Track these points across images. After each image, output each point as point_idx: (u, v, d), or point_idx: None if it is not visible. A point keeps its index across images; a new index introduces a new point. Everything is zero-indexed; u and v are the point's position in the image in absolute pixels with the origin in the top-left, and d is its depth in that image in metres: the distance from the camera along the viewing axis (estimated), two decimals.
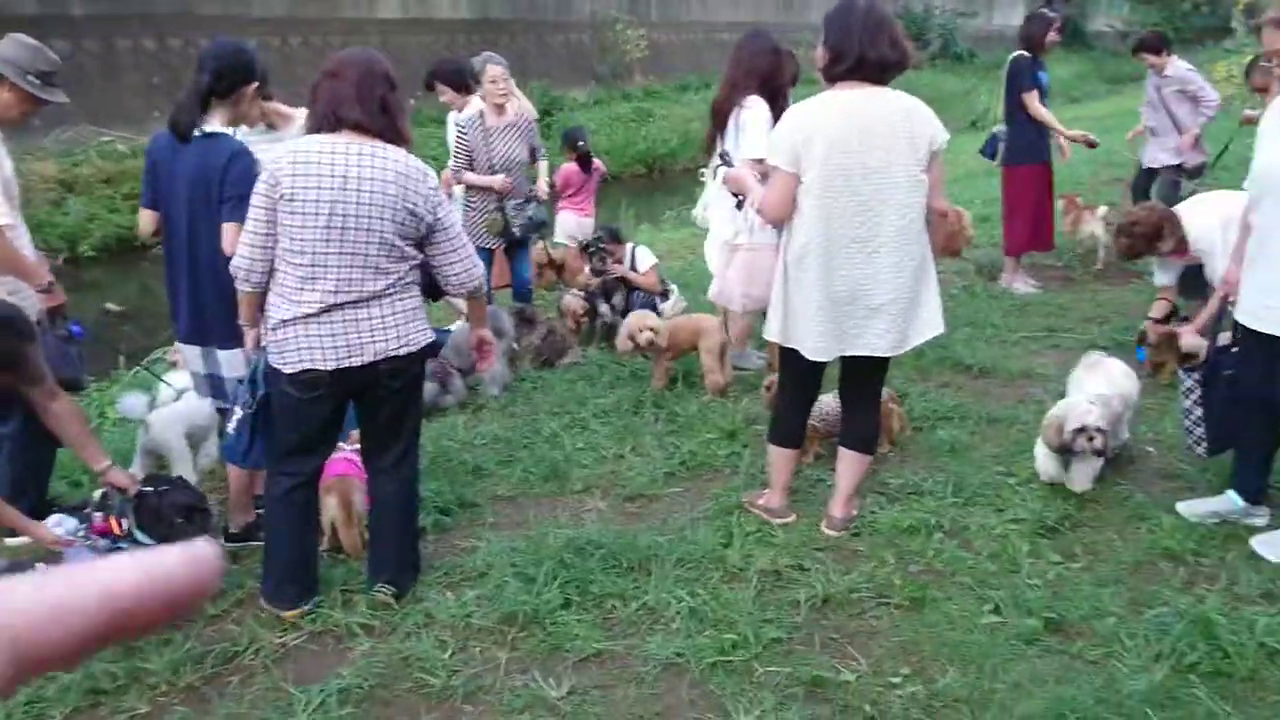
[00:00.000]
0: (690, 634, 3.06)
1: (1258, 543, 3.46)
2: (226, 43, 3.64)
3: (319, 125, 3.02)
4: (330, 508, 3.57)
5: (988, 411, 4.71)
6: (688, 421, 4.72)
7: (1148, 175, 7.77)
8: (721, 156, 4.68)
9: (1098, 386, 4.03)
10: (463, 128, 5.75)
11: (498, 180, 5.66)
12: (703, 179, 5.44)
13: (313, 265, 2.97)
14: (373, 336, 3.04)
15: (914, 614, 3.17)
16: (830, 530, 3.66)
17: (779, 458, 3.75)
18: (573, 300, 6.08)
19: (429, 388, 4.96)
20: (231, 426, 3.42)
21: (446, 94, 6.02)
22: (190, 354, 3.65)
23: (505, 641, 3.08)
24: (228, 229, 3.28)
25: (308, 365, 3.01)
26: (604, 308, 5.96)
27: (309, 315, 2.99)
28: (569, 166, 7.26)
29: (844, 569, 3.41)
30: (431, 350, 3.35)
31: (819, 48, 3.41)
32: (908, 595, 3.24)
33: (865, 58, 3.27)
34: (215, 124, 3.43)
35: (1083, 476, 3.87)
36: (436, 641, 3.07)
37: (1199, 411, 3.85)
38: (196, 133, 3.39)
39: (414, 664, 2.98)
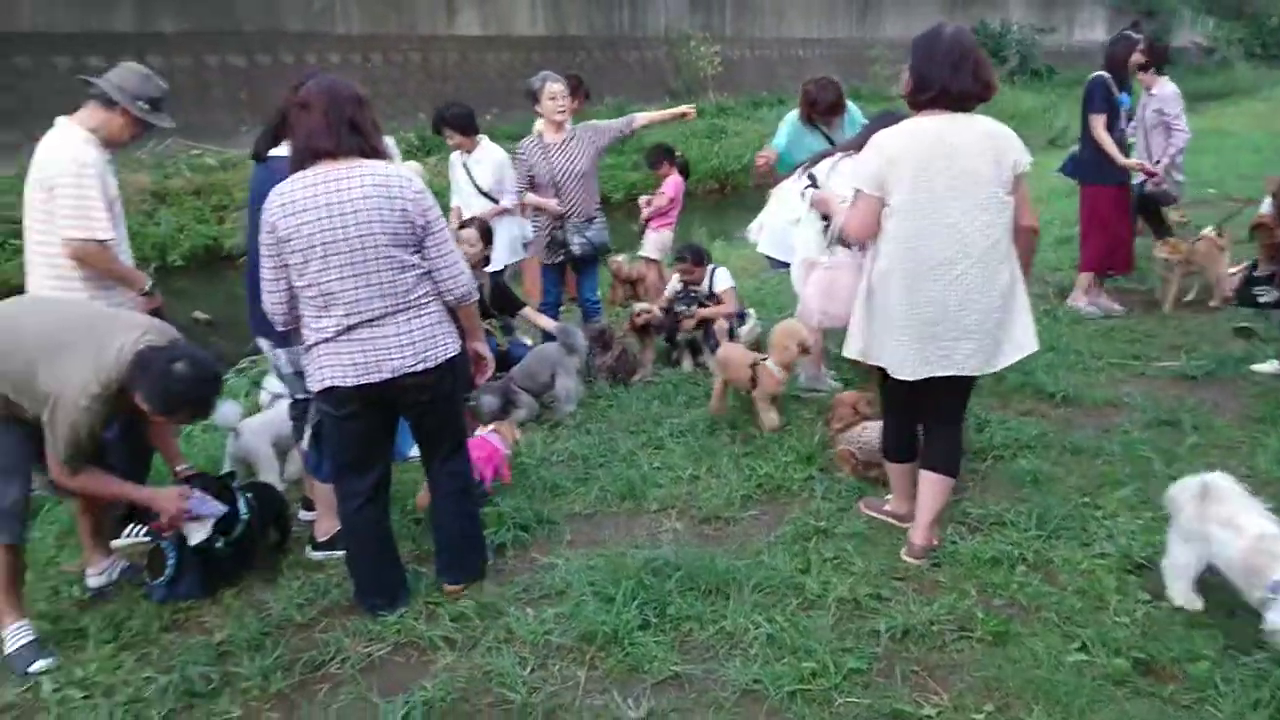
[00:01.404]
0: (768, 660, 3.05)
1: None
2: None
3: (299, 160, 3.13)
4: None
5: (1071, 441, 4.61)
6: (764, 444, 4.71)
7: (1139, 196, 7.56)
8: (810, 178, 4.68)
9: (1249, 528, 3.09)
10: (521, 150, 5.85)
11: (550, 204, 5.73)
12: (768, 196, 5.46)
13: (321, 295, 3.10)
14: (389, 354, 3.14)
15: (997, 649, 3.12)
16: (910, 558, 3.63)
17: (893, 472, 3.86)
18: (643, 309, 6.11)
19: (487, 401, 5.06)
20: (305, 443, 3.54)
21: (454, 138, 6.16)
22: (263, 344, 3.78)
23: (584, 660, 3.11)
24: None
25: (330, 383, 3.16)
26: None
27: (328, 339, 3.13)
28: (676, 179, 7.30)
29: (924, 600, 3.37)
30: (459, 375, 3.39)
31: (904, 72, 3.44)
32: (990, 629, 3.19)
33: (948, 89, 3.35)
34: (286, 148, 3.55)
35: None
36: (516, 658, 3.12)
37: None
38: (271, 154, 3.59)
39: (494, 679, 3.02)
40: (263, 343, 3.75)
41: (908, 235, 3.36)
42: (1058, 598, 3.37)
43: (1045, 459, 4.44)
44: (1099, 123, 6.56)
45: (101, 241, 3.66)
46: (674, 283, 6.08)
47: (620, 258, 7.07)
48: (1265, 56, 35.45)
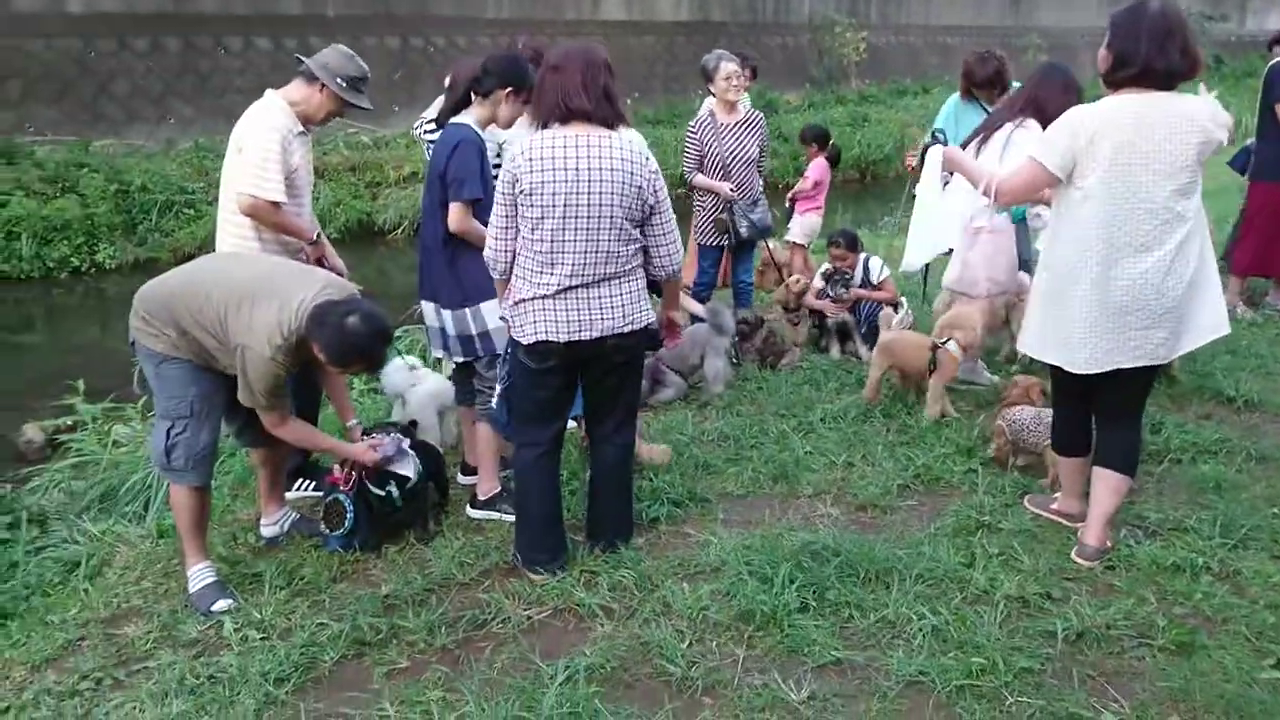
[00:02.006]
0: (933, 653, 2.96)
1: None
2: (507, 53, 3.99)
3: (549, 118, 3.23)
4: None
5: (1257, 448, 4.32)
6: (919, 434, 4.58)
7: None
8: (934, 135, 4.43)
9: None
10: (693, 127, 5.82)
11: (724, 188, 5.68)
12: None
13: (551, 252, 3.20)
14: (602, 314, 3.26)
15: (1181, 659, 2.94)
16: (1082, 560, 3.46)
17: (1064, 466, 3.72)
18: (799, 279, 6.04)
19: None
20: (494, 400, 3.64)
21: None
22: (427, 309, 3.90)
23: (742, 639, 3.08)
24: (452, 208, 3.60)
25: (543, 337, 3.26)
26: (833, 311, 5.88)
27: (546, 295, 3.22)
28: (822, 162, 7.19)
29: (1099, 603, 3.21)
30: (652, 339, 3.54)
31: (1102, 49, 3.28)
32: (1174, 638, 3.01)
33: (1151, 66, 3.17)
34: (467, 117, 3.72)
35: None
36: (674, 631, 3.11)
37: None
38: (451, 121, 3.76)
39: (653, 650, 3.02)
40: (428, 306, 3.85)
41: (1105, 221, 3.20)
42: (1247, 611, 3.16)
43: (1228, 465, 4.18)
44: None
45: (272, 203, 3.82)
46: (824, 268, 5.97)
47: (774, 243, 7.00)
48: None
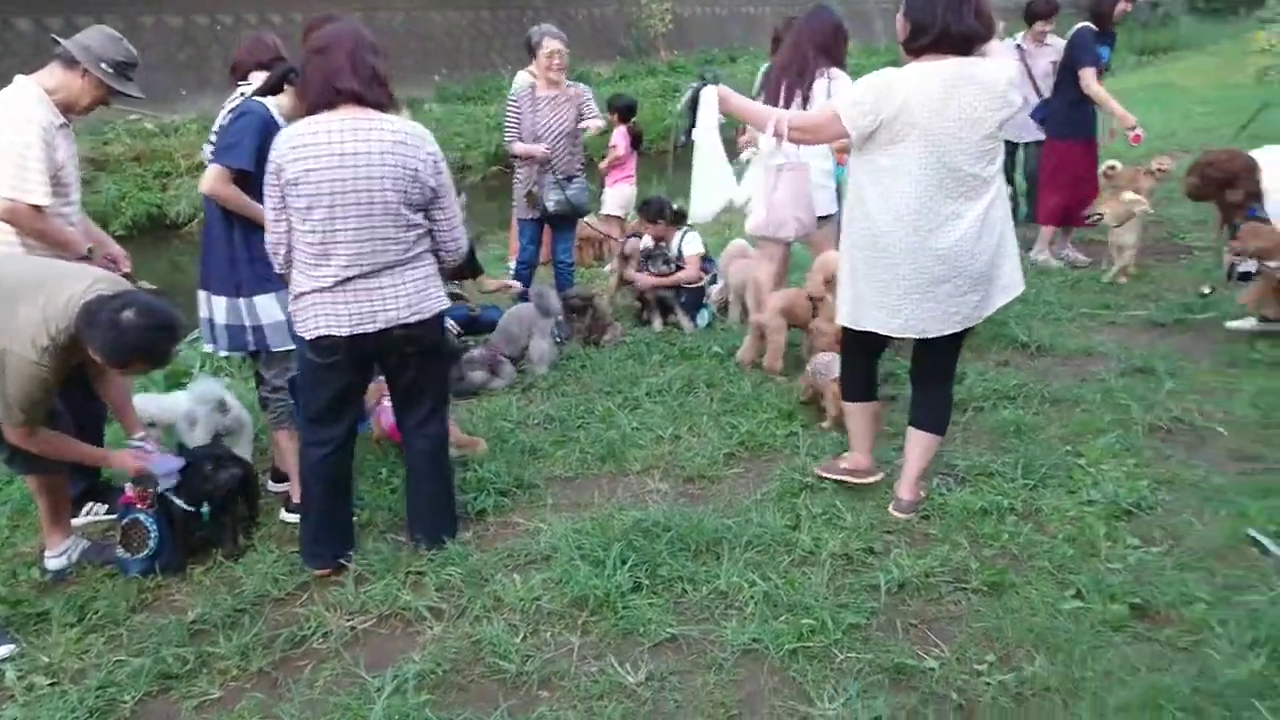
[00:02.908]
0: (766, 619, 2.99)
1: None
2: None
3: (316, 103, 3.06)
4: None
5: (1050, 391, 4.60)
6: (743, 401, 4.64)
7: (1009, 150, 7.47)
8: (701, 76, 4.34)
9: None
10: (513, 97, 5.70)
11: (539, 149, 5.58)
12: (745, 159, 5.13)
13: (324, 243, 3.05)
14: (384, 305, 3.13)
15: (993, 599, 3.09)
16: (898, 513, 3.58)
17: (852, 415, 3.77)
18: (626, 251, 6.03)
19: (477, 375, 4.93)
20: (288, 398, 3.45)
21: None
22: (200, 299, 3.66)
23: (576, 626, 3.02)
24: (209, 168, 3.41)
25: (324, 331, 3.12)
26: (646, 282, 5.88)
27: (324, 288, 3.08)
28: (621, 129, 7.16)
29: (917, 552, 3.33)
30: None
31: (899, 16, 3.30)
32: (986, 580, 3.16)
33: (948, 31, 3.18)
34: (270, 100, 3.50)
35: None
36: (507, 626, 3.02)
37: None
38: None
39: (485, 648, 2.92)
40: (201, 295, 3.61)
41: (917, 192, 3.21)
42: (1049, 546, 3.35)
43: (1026, 409, 4.43)
44: (1091, 76, 6.45)
45: (34, 206, 3.43)
46: (645, 241, 5.96)
47: (590, 220, 6.95)
48: (1208, 11, 35.90)
